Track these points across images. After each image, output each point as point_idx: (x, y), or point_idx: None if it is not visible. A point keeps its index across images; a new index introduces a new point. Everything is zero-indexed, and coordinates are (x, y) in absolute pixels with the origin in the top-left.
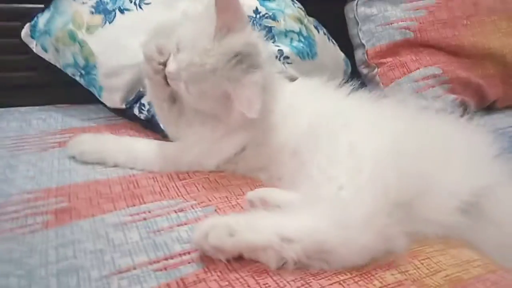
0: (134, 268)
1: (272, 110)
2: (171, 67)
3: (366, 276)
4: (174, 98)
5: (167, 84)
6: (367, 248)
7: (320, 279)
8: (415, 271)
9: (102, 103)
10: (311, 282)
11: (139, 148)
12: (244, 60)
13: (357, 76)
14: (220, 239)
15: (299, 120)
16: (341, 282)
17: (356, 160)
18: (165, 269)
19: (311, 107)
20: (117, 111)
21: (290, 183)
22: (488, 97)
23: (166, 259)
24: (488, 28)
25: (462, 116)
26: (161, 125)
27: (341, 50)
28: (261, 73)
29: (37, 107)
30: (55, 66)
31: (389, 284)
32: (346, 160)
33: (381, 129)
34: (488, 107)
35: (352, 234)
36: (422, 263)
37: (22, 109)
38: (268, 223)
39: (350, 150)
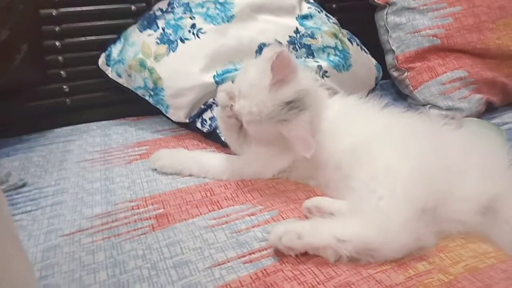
0: (228, 261)
1: (318, 130)
2: (235, 107)
3: (402, 267)
4: (240, 126)
5: (237, 119)
6: (403, 247)
7: (368, 269)
8: (441, 262)
9: (165, 115)
10: (361, 271)
11: (208, 161)
12: (295, 106)
13: (389, 76)
14: (291, 241)
15: (341, 139)
16: (384, 271)
17: (392, 176)
18: (251, 261)
19: (351, 128)
20: (179, 124)
21: (334, 190)
22: None
23: (250, 254)
24: None
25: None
26: (222, 138)
27: (373, 52)
28: (310, 113)
29: (112, 121)
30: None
31: (420, 272)
32: (384, 176)
33: (410, 149)
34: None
35: (391, 237)
36: (446, 255)
37: (99, 123)
38: (327, 228)
39: (387, 168)
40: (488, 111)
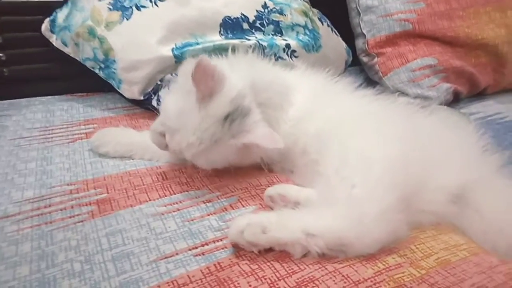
0: (177, 254)
1: (281, 120)
2: (171, 146)
3: (371, 260)
4: None
5: None
6: (378, 241)
7: (333, 263)
8: (412, 254)
9: (118, 92)
10: (326, 265)
11: None
12: (236, 116)
13: (357, 62)
14: (255, 236)
15: (309, 124)
16: (351, 265)
17: (367, 162)
18: (203, 254)
19: (321, 110)
20: (133, 101)
21: (300, 176)
22: (480, 85)
23: (202, 245)
24: (483, 19)
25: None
26: None
27: (343, 36)
28: (256, 111)
29: (57, 97)
30: (72, 57)
31: (390, 266)
32: (357, 162)
33: (386, 134)
34: (478, 93)
35: (366, 229)
36: (417, 248)
37: (43, 98)
38: (295, 221)
39: (360, 154)
40: (454, 101)
